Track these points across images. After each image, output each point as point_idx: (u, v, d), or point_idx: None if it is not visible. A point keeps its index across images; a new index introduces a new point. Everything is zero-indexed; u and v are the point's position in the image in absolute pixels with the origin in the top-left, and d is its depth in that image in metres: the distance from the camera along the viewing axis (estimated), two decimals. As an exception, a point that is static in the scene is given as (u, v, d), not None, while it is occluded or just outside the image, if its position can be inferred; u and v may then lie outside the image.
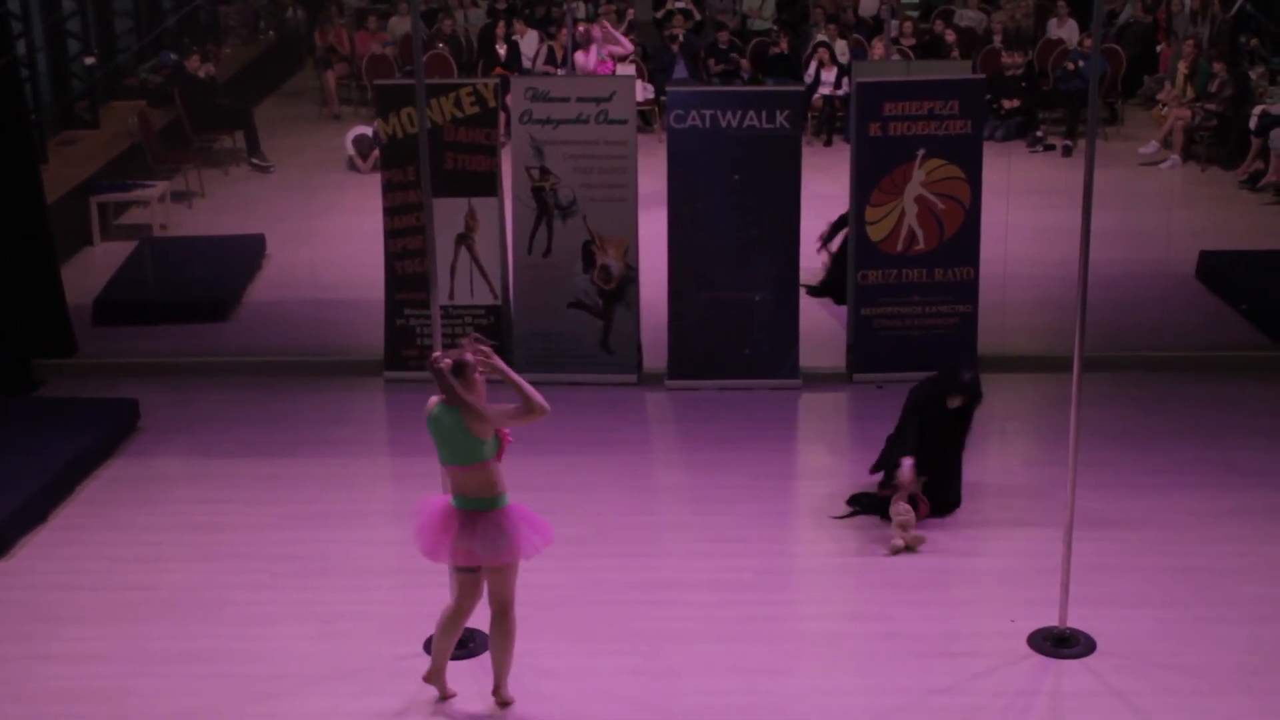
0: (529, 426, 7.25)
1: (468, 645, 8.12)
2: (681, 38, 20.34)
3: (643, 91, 17.32)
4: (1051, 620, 8.18)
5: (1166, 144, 18.20)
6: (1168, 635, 8.25)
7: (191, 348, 12.65)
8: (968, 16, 22.02)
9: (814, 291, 13.29)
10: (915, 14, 22.28)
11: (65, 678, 7.96)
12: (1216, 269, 13.83)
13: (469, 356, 7.24)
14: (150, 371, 12.14)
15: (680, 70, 19.63)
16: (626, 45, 18.37)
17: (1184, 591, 8.70)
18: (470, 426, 7.17)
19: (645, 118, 18.48)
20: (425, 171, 7.88)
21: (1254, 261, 13.95)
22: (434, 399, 7.33)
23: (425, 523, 7.49)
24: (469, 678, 7.89)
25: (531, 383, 7.28)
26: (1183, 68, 18.84)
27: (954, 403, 9.49)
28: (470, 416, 7.16)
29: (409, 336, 11.99)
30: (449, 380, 7.19)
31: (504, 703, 7.65)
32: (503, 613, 7.48)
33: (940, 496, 9.56)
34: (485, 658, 7.97)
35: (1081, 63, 19.22)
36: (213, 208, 16.75)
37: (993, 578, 9.00)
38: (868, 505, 9.60)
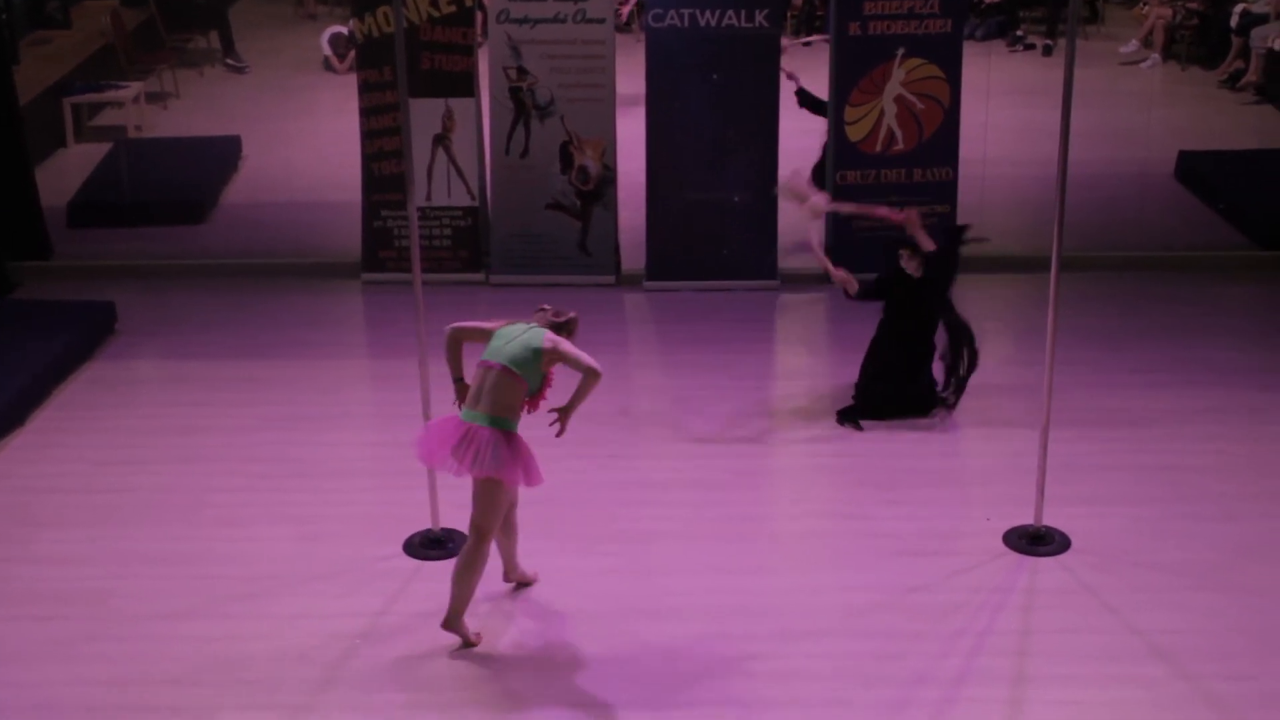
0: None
1: (446, 545, 8.15)
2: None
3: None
4: (1027, 519, 8.24)
5: (1147, 43, 18.11)
6: (1141, 533, 8.32)
7: (168, 250, 12.59)
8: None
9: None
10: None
11: (46, 580, 7.99)
12: (1195, 169, 13.82)
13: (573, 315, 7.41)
14: (126, 274, 12.09)
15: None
16: None
17: (1158, 489, 8.77)
18: (543, 356, 7.16)
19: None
20: (402, 72, 7.81)
21: (1233, 161, 13.94)
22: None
23: (431, 430, 7.44)
24: (448, 578, 7.92)
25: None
26: (1164, -34, 18.73)
27: (908, 264, 9.39)
28: (552, 351, 7.15)
29: (386, 238, 11.95)
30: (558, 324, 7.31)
31: (466, 642, 7.40)
32: (477, 541, 7.27)
33: (913, 397, 9.58)
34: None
35: (1063, -39, 19.09)
36: (188, 109, 16.61)
37: (969, 477, 9.06)
38: (853, 417, 9.60)
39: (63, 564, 8.14)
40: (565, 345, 7.20)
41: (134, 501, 8.77)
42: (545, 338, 7.18)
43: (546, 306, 7.46)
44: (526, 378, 7.16)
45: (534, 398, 7.28)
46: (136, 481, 9.00)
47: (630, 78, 12.32)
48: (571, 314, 7.43)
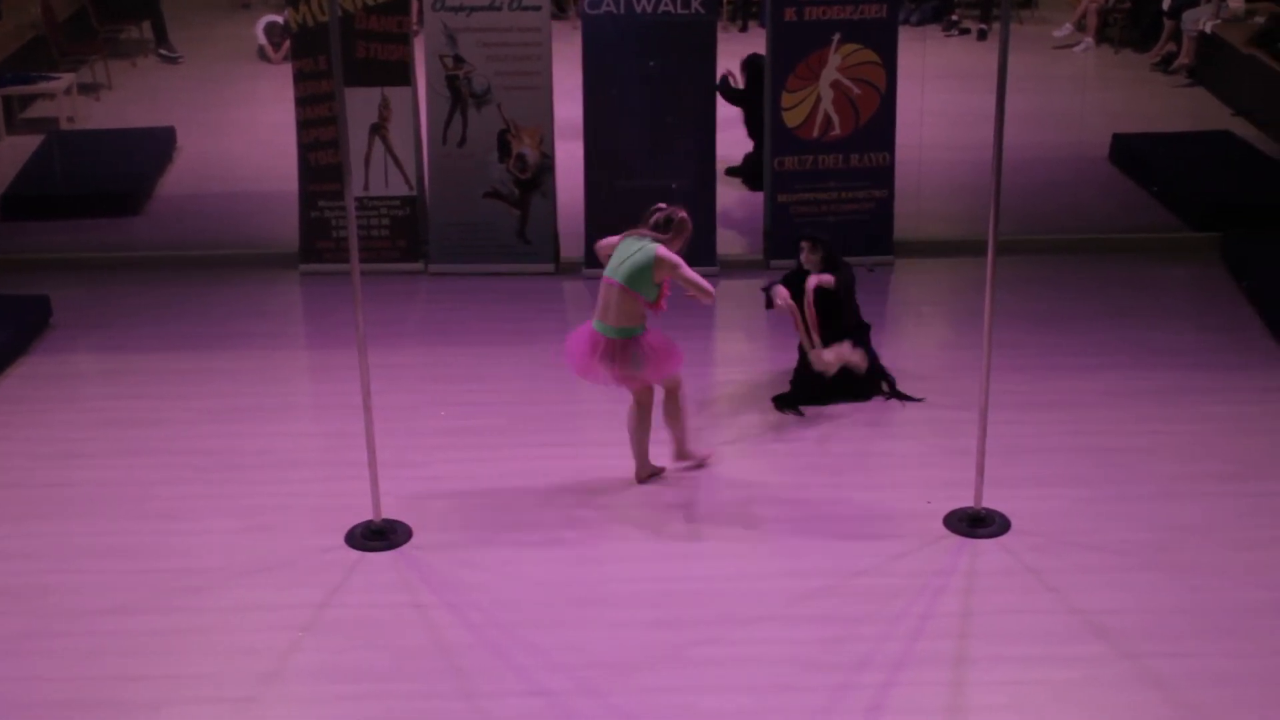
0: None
1: (387, 536, 8.14)
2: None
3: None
4: (967, 501, 8.30)
5: (1080, 27, 18.25)
6: (1081, 514, 8.39)
7: (103, 242, 12.49)
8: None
9: (731, 170, 13.33)
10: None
11: (-15, 576, 7.93)
12: (1130, 151, 13.93)
13: (684, 215, 8.22)
14: (61, 267, 11.98)
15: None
16: None
17: (1097, 470, 8.84)
18: (651, 274, 8.07)
19: (560, 4, 18.27)
20: (337, 61, 7.77)
21: (1166, 144, 14.06)
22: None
23: (573, 345, 8.38)
24: (391, 568, 7.92)
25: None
26: (1096, -50, 18.86)
27: (807, 260, 9.55)
28: (663, 260, 8.07)
29: (324, 228, 11.89)
30: (664, 226, 8.17)
31: (695, 463, 8.73)
32: (673, 391, 8.46)
33: (851, 378, 9.63)
34: (408, 547, 8.03)
35: (996, -54, 19.19)
36: (121, 100, 16.48)
37: (910, 461, 9.11)
38: (790, 402, 9.64)
39: (2, 559, 8.07)
40: (669, 264, 8.05)
41: (74, 495, 8.70)
42: (656, 256, 8.04)
43: (662, 206, 8.26)
44: (642, 292, 8.11)
45: (654, 304, 8.21)
46: (76, 475, 8.93)
47: (571, 66, 12.30)
48: (681, 214, 8.24)
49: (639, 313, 8.20)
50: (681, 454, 8.76)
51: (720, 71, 12.02)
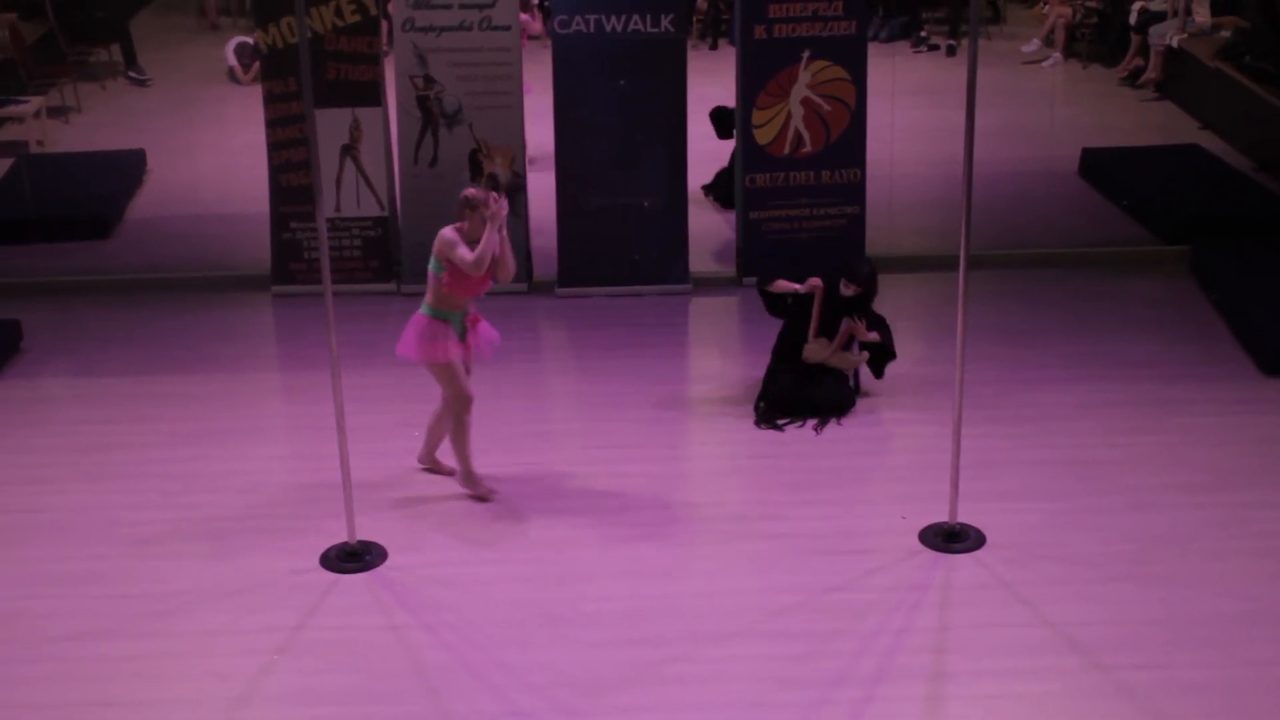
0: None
1: (363, 558, 8.11)
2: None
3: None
4: (942, 516, 8.31)
5: (1048, 42, 18.31)
6: (1054, 527, 8.41)
7: (73, 266, 12.43)
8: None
9: (707, 188, 13.36)
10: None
11: (-45, 603, 7.88)
12: (1099, 165, 13.98)
13: (480, 196, 8.29)
14: (31, 291, 11.92)
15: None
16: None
17: (1070, 483, 8.86)
18: (437, 245, 8.31)
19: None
20: (307, 82, 7.76)
21: (1135, 157, 14.11)
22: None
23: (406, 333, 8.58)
24: (366, 590, 7.89)
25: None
26: (1063, -35, 18.93)
27: (848, 290, 9.56)
28: (440, 239, 8.33)
29: (296, 250, 11.87)
30: (458, 210, 8.35)
31: (476, 494, 8.73)
32: (451, 409, 8.64)
33: (831, 397, 9.66)
34: (383, 569, 8.03)
35: (964, -38, 19.25)
36: (91, 123, 16.41)
37: (884, 476, 9.12)
38: (770, 417, 9.65)
39: (-29, 587, 8.03)
40: (445, 243, 8.28)
41: (43, 521, 8.65)
42: (438, 236, 8.33)
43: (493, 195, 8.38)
44: (435, 271, 8.37)
45: (448, 284, 8.37)
46: (45, 501, 8.88)
47: (542, 85, 12.31)
48: (465, 193, 8.39)
49: (442, 293, 8.36)
50: (465, 479, 8.84)
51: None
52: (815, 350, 9.65)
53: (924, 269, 11.93)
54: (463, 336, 8.50)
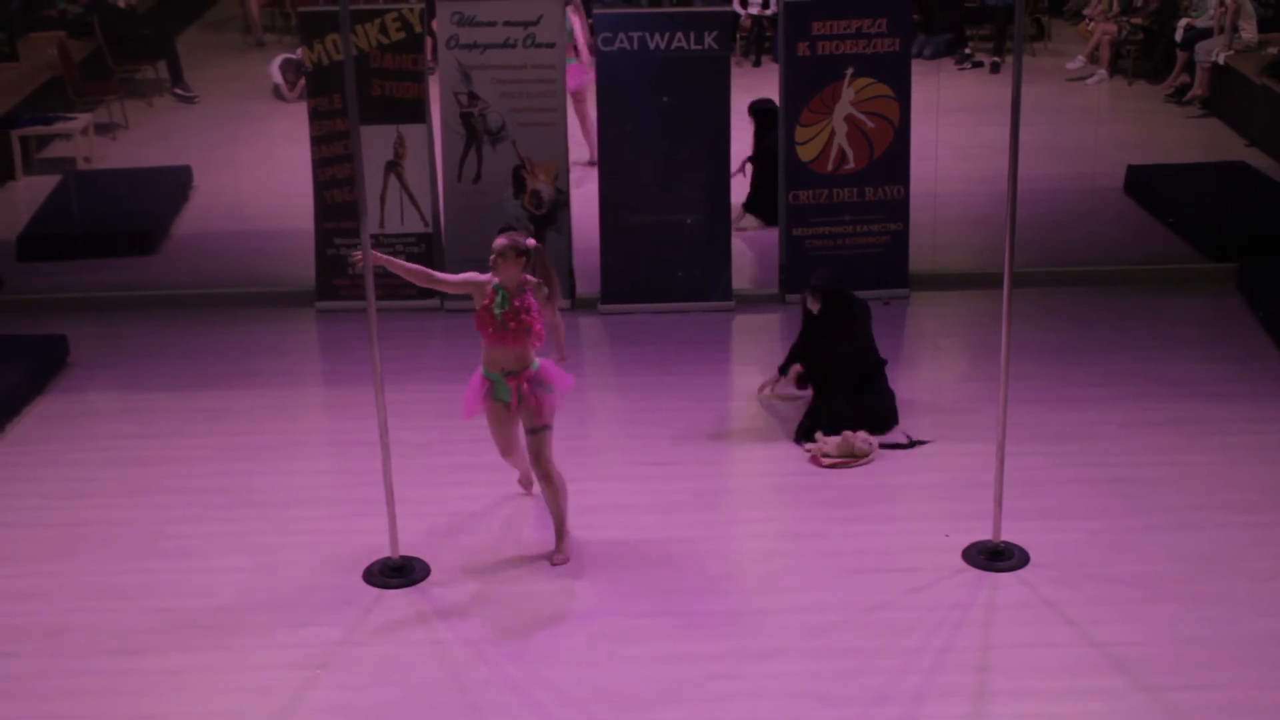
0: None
1: (406, 574, 8.13)
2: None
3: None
4: (986, 534, 8.27)
5: (1093, 59, 18.26)
6: (1098, 546, 8.35)
7: (119, 282, 12.52)
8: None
9: (748, 205, 13.33)
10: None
11: (2, 615, 7.91)
12: (1144, 183, 13.91)
13: (503, 244, 8.06)
14: (78, 307, 12.01)
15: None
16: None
17: (1114, 502, 8.81)
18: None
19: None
20: (352, 99, 7.79)
21: (1181, 174, 14.03)
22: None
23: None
24: (409, 605, 7.91)
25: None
26: (1109, -18, 18.89)
27: (813, 306, 9.67)
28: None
29: (340, 266, 11.92)
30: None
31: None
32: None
33: (871, 411, 9.62)
34: (426, 584, 8.05)
35: (1009, -21, 19.21)
36: (137, 140, 16.54)
37: (927, 493, 9.08)
38: (811, 435, 9.61)
39: (15, 599, 8.07)
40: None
41: (88, 535, 8.71)
42: None
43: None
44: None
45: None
46: (90, 515, 8.94)
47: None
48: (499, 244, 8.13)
49: (484, 346, 8.26)
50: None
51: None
52: (823, 447, 9.49)
53: (968, 286, 11.89)
54: (505, 397, 8.18)
